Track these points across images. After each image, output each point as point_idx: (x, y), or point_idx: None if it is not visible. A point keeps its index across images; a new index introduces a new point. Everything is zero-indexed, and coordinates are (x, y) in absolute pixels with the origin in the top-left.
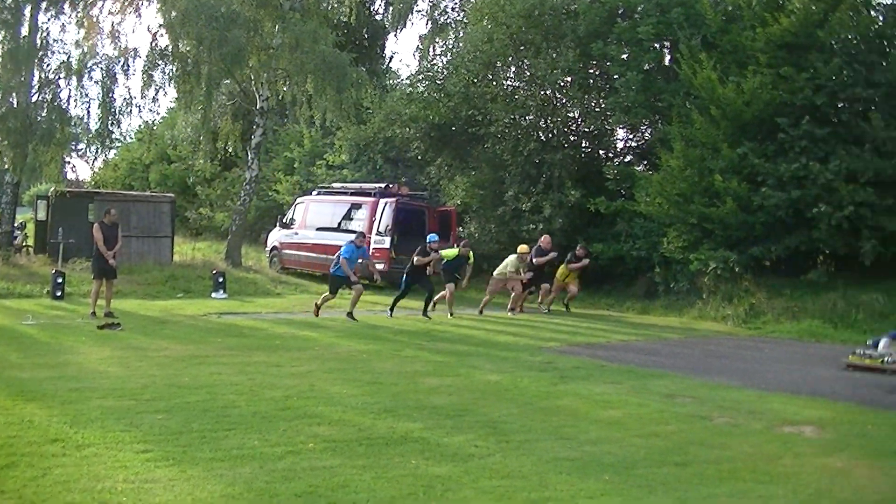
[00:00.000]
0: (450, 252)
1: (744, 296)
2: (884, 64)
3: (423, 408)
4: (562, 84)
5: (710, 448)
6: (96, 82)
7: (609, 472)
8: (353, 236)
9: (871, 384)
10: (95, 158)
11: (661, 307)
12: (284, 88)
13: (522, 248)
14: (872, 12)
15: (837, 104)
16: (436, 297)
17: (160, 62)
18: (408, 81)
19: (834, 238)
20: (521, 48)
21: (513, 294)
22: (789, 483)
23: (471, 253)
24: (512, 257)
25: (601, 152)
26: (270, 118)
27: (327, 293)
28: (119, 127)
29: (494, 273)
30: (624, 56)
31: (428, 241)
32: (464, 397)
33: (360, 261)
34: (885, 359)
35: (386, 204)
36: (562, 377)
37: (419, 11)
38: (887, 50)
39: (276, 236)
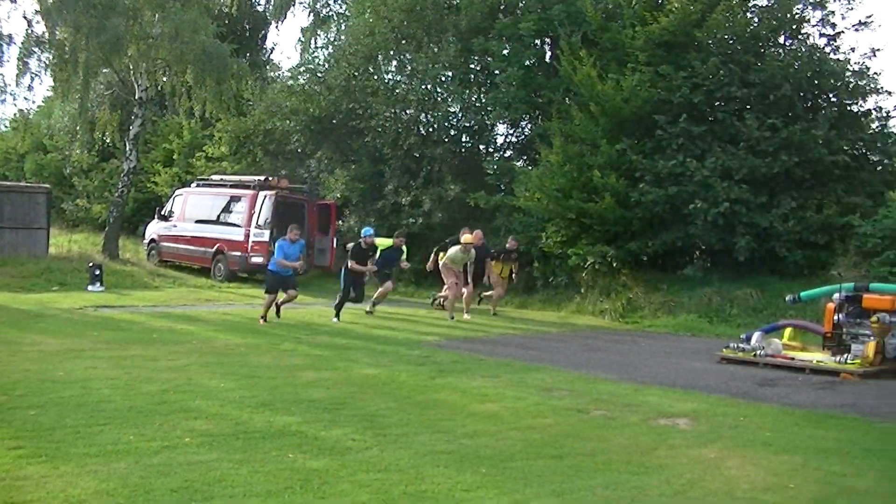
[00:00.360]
0: (384, 241)
1: (621, 290)
2: (759, 65)
3: (301, 402)
4: (443, 78)
5: (587, 440)
6: None
7: (486, 465)
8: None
9: (743, 377)
10: None
11: (540, 301)
12: (164, 79)
13: (466, 237)
14: (749, 14)
15: (714, 103)
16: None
17: (36, 49)
18: (289, 74)
19: (709, 234)
20: (403, 42)
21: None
22: (663, 474)
23: (405, 246)
24: (454, 249)
25: (481, 147)
26: (149, 109)
27: (266, 295)
28: None
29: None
30: (505, 52)
31: (363, 234)
32: (342, 391)
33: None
34: (758, 352)
35: (265, 197)
36: (440, 371)
37: (301, 3)
38: (762, 51)
39: (155, 229)
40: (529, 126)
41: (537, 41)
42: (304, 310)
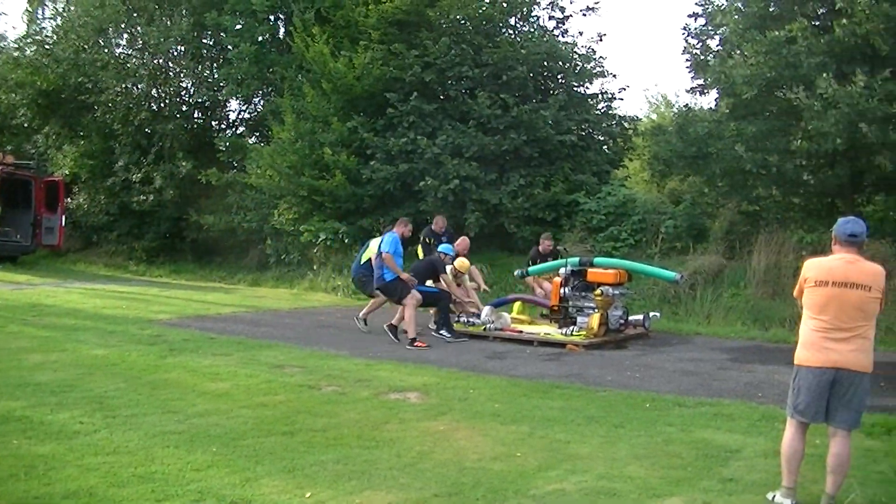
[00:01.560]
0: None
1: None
2: (491, 46)
3: (27, 385)
4: (175, 53)
5: (318, 416)
6: None
7: (216, 443)
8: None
9: (474, 350)
10: None
11: (273, 279)
12: None
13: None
14: None
15: (446, 82)
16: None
17: None
18: (14, 45)
19: (440, 210)
20: (135, 15)
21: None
22: (394, 447)
23: None
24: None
25: (214, 123)
26: None
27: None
28: None
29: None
30: (238, 27)
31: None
32: (69, 373)
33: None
34: (487, 326)
35: None
36: (171, 350)
37: None
38: (494, 32)
39: None
40: (262, 103)
41: (271, 17)
42: (31, 290)
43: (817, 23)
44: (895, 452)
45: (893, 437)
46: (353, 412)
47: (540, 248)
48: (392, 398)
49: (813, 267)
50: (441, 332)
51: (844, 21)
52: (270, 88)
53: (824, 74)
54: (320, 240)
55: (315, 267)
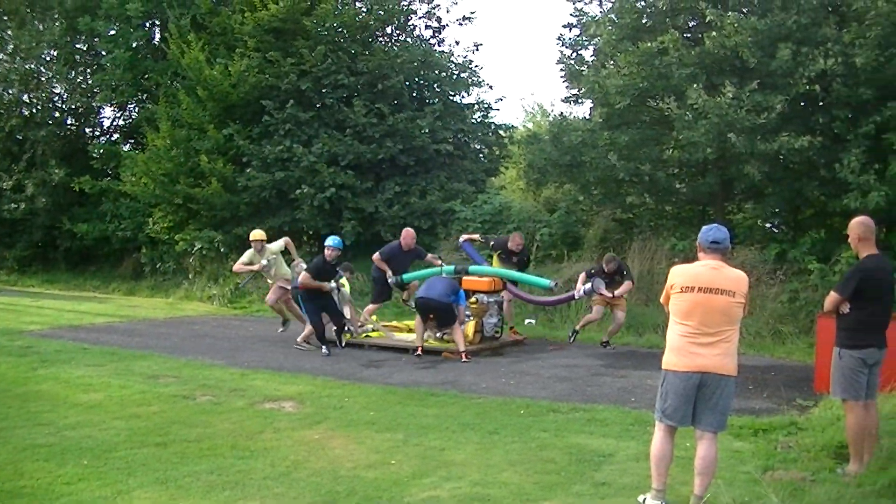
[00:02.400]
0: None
1: (230, 276)
2: (367, 54)
3: None
4: (47, 58)
5: (192, 427)
6: None
7: (88, 456)
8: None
9: (350, 358)
10: None
11: (148, 288)
12: None
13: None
14: (358, 4)
15: (322, 90)
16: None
17: None
18: None
19: (316, 218)
20: (5, 18)
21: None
22: (268, 457)
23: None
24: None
25: (87, 130)
26: None
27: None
28: None
29: None
30: (112, 32)
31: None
32: None
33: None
34: (361, 333)
35: None
36: (42, 361)
37: None
38: (371, 41)
39: None
40: (137, 109)
41: (145, 23)
42: None
43: (688, 35)
44: (762, 453)
45: (760, 439)
46: (228, 422)
47: (510, 244)
48: (267, 407)
49: (679, 273)
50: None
51: (714, 34)
52: (145, 95)
53: (695, 85)
54: (196, 248)
55: (191, 276)
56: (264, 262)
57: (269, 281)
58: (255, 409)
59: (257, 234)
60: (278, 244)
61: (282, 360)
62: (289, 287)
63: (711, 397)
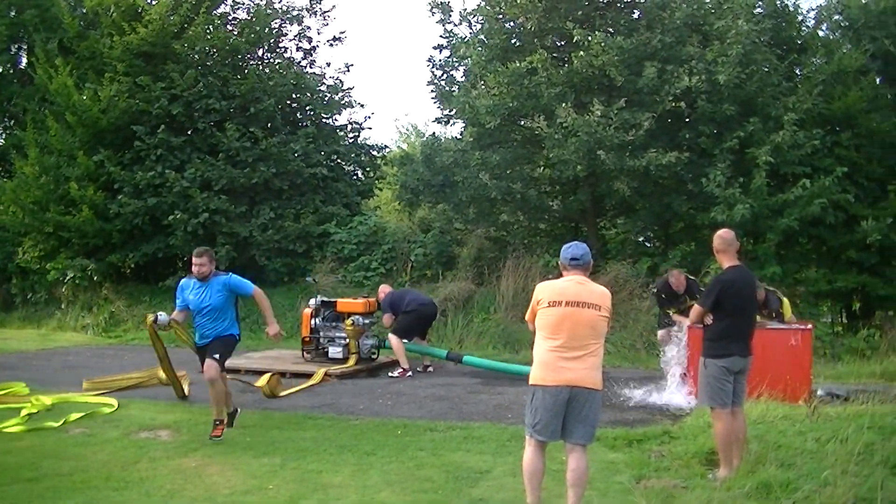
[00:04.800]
0: None
1: (103, 304)
2: (239, 77)
3: None
4: None
5: (65, 460)
6: None
7: None
8: None
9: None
10: None
11: (19, 319)
12: None
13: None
14: (228, 27)
15: (194, 114)
16: None
17: None
18: None
19: (190, 244)
20: None
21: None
22: (143, 486)
23: None
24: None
25: None
26: None
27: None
28: None
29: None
30: None
31: None
32: None
33: None
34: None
35: None
36: None
37: None
38: (242, 64)
39: None
40: (4, 136)
41: (11, 46)
42: None
43: (556, 55)
44: (635, 463)
45: (634, 449)
46: (102, 453)
47: (673, 283)
48: (142, 437)
49: (545, 289)
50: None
51: (582, 53)
52: (12, 121)
53: (564, 104)
54: (68, 277)
55: (63, 305)
56: None
57: None
58: (130, 440)
59: None
60: None
61: (157, 389)
62: None
63: (581, 411)
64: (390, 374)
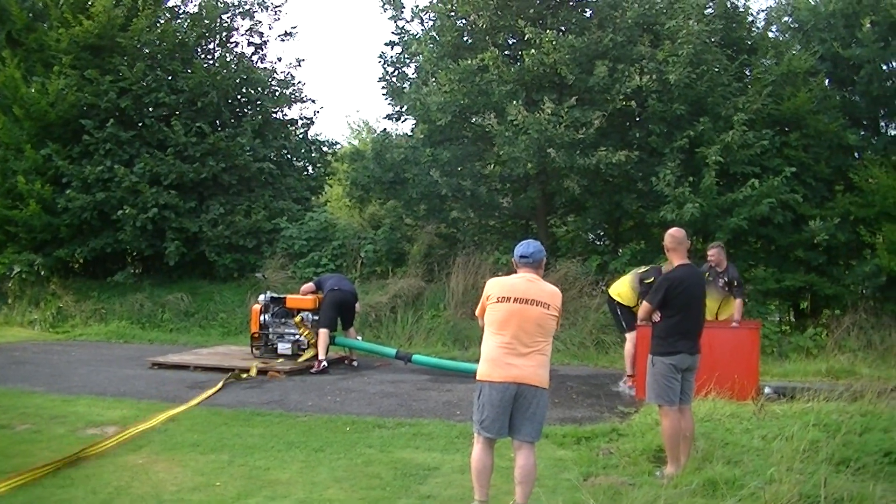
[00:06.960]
0: None
1: (51, 299)
2: (187, 71)
3: None
4: None
5: (11, 457)
6: None
7: None
8: None
9: (175, 381)
10: None
11: None
12: None
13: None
14: (177, 20)
15: (142, 108)
16: None
17: None
18: None
19: (139, 239)
20: None
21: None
22: (90, 484)
23: None
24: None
25: None
26: None
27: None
28: None
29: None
30: None
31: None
32: None
33: None
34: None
35: None
36: None
37: None
38: (191, 58)
39: None
40: None
41: None
42: None
43: (508, 52)
44: (584, 460)
45: (583, 446)
46: (48, 450)
47: (711, 260)
48: (89, 433)
49: (495, 285)
50: None
51: (533, 51)
52: None
53: (514, 102)
54: (15, 272)
55: (10, 301)
56: None
57: None
58: (77, 436)
59: None
60: None
61: (105, 385)
62: None
63: (528, 408)
64: (311, 370)
